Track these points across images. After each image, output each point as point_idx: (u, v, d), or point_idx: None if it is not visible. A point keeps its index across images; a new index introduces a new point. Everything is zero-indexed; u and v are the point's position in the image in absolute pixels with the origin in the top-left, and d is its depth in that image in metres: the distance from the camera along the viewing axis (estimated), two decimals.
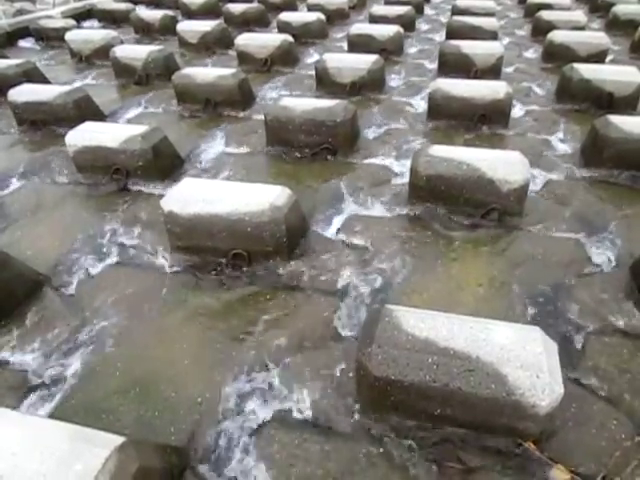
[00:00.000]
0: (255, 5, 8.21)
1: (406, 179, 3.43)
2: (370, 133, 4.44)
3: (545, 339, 1.88)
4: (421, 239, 3.03)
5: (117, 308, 2.60)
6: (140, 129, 3.75)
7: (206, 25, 7.00)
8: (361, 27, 6.58)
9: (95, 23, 8.95)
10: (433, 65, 6.09)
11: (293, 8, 8.85)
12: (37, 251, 3.02)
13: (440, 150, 3.25)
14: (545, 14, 7.04)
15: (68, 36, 6.79)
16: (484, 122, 4.37)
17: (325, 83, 5.32)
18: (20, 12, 8.68)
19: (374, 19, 7.44)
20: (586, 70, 4.73)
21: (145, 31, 7.89)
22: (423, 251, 2.94)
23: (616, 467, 1.79)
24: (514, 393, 1.74)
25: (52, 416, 2.02)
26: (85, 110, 4.65)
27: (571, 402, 1.99)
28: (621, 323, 2.40)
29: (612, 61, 6.05)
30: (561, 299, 2.55)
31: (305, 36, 7.13)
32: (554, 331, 2.35)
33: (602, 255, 2.86)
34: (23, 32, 7.93)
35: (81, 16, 8.91)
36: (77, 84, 5.68)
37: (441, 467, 1.81)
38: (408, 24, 7.31)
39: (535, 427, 1.80)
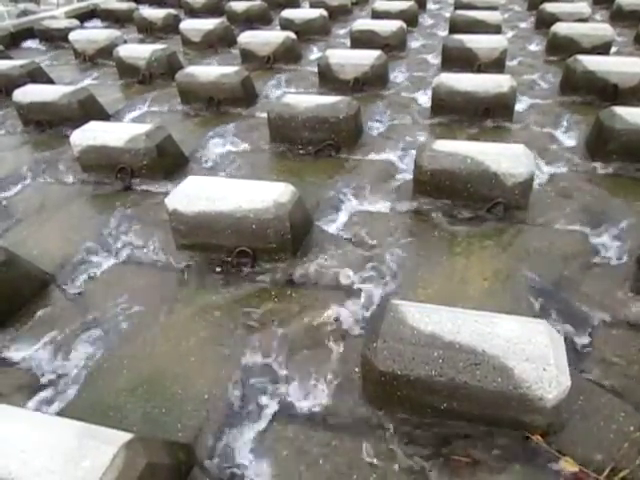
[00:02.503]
0: (257, 3, 8.20)
1: (410, 174, 3.43)
2: (374, 129, 4.44)
3: (551, 332, 1.87)
4: (426, 234, 3.03)
5: (123, 306, 2.61)
6: (144, 128, 3.76)
7: (209, 23, 7.01)
8: (364, 23, 6.57)
9: (98, 23, 8.97)
10: (436, 60, 6.07)
11: (295, 5, 8.84)
12: (43, 250, 3.04)
13: (444, 145, 3.24)
14: (549, 6, 7.00)
15: (72, 36, 6.82)
16: (488, 116, 4.35)
17: (328, 79, 5.31)
18: (24, 13, 8.73)
19: (377, 15, 7.41)
20: (590, 62, 4.70)
21: (148, 30, 7.91)
22: (428, 246, 2.93)
23: (624, 459, 1.78)
24: (521, 386, 1.73)
25: (60, 414, 2.03)
26: (89, 110, 4.67)
27: (578, 395, 1.98)
28: (628, 315, 2.38)
29: (617, 52, 6.01)
30: (567, 292, 2.54)
31: (308, 33, 7.12)
32: (560, 324, 2.34)
33: (608, 247, 2.85)
34: (27, 33, 7.97)
35: (85, 16, 8.93)
36: (81, 84, 5.70)
37: (448, 461, 1.81)
38: (411, 19, 7.28)
39: (542, 420, 1.80)
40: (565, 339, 1.90)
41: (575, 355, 2.18)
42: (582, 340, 2.28)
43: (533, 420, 1.80)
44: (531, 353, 1.77)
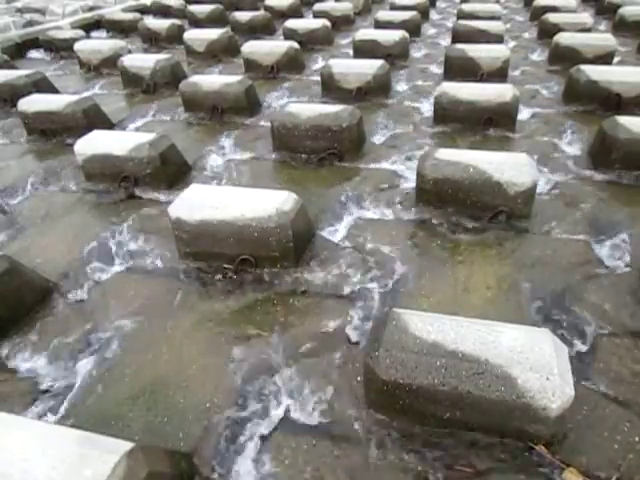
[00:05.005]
0: (261, 13, 8.27)
1: (413, 183, 3.43)
2: (376, 138, 4.45)
3: (555, 341, 1.86)
4: (428, 243, 3.03)
5: (126, 314, 2.61)
6: (148, 137, 3.78)
7: (213, 33, 7.07)
8: (366, 33, 6.61)
9: (103, 33, 9.05)
10: (439, 69, 6.09)
11: (299, 15, 8.91)
12: (46, 259, 3.04)
13: (446, 153, 3.24)
14: (551, 17, 7.02)
15: (77, 46, 6.88)
16: (491, 125, 4.36)
17: (331, 89, 5.34)
18: (30, 23, 8.80)
19: (379, 24, 7.46)
20: (593, 71, 4.71)
21: (152, 40, 7.98)
22: (430, 254, 2.93)
23: (629, 470, 1.76)
24: (524, 396, 1.72)
25: (61, 422, 2.03)
26: (94, 119, 4.70)
27: (582, 405, 1.97)
28: (632, 324, 2.37)
29: (619, 62, 6.03)
30: (571, 301, 2.53)
31: (311, 42, 7.17)
32: (564, 333, 2.33)
33: (612, 257, 2.84)
34: (33, 43, 8.05)
35: (90, 27, 9.02)
36: (86, 93, 5.71)
37: (451, 470, 1.80)
38: (414, 29, 7.33)
39: (546, 430, 1.78)
40: (569, 348, 1.88)
41: (579, 364, 2.16)
42: (586, 349, 2.27)
43: (537, 430, 1.79)
44: (535, 362, 1.76)
